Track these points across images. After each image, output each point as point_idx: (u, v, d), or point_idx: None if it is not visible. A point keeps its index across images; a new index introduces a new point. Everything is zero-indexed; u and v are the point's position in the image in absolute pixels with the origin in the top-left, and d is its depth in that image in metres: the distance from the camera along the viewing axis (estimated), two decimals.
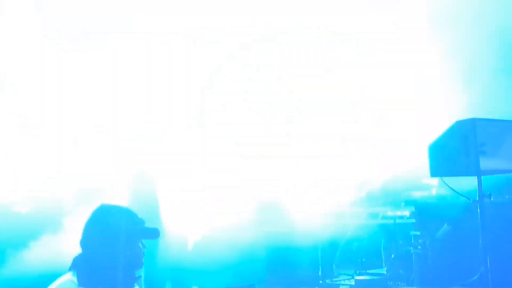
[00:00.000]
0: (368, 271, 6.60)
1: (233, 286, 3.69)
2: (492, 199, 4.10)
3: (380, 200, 6.32)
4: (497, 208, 5.16)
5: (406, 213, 5.97)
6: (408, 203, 5.98)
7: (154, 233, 2.26)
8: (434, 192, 6.47)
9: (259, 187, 6.98)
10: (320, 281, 6.64)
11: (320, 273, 6.63)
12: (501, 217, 5.10)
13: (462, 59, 7.34)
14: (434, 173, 4.04)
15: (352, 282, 6.29)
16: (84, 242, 2.20)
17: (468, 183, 4.06)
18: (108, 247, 2.16)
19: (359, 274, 6.36)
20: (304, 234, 6.62)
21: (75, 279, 2.13)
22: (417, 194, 6.21)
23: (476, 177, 3.89)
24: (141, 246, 2.23)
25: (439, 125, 4.25)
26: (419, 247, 5.75)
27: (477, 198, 3.89)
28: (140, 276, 2.29)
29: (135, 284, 2.27)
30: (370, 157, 7.88)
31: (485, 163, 3.75)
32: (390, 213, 6.12)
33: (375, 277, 5.86)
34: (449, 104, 6.67)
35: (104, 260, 2.16)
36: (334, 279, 6.81)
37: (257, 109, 8.34)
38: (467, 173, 3.99)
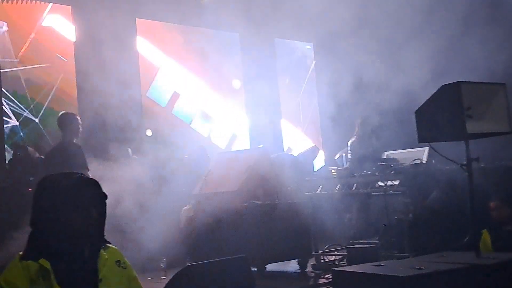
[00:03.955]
0: (360, 241, 6.64)
1: (224, 258, 3.69)
2: (480, 163, 4.09)
3: (369, 170, 6.32)
4: (485, 173, 5.19)
5: (396, 181, 5.98)
6: (398, 171, 5.99)
7: (101, 197, 2.23)
8: (423, 158, 6.48)
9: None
10: (313, 252, 6.68)
11: (312, 245, 6.67)
12: (488, 181, 5.14)
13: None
14: (421, 138, 4.03)
15: (345, 252, 6.32)
16: (31, 220, 2.17)
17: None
18: (52, 215, 2.12)
19: (352, 244, 6.39)
20: (295, 206, 6.65)
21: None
22: (406, 162, 6.22)
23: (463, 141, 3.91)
24: (91, 211, 2.18)
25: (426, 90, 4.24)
26: (410, 214, 5.78)
27: (465, 163, 3.90)
28: (108, 242, 2.26)
29: (100, 250, 2.23)
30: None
31: (472, 127, 3.74)
32: (380, 182, 6.12)
33: (367, 246, 5.89)
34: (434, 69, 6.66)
35: (51, 229, 2.12)
36: (326, 250, 6.86)
37: None
38: (454, 138, 3.99)
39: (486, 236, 4.85)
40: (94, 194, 2.21)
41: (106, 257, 2.23)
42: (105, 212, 2.25)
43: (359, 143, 7.50)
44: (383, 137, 7.40)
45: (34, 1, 8.52)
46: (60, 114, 6.35)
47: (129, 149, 8.34)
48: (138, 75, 9.47)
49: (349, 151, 7.73)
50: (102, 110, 8.07)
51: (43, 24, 8.60)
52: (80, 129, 6.19)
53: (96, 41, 8.37)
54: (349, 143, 7.79)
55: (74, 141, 6.14)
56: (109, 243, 2.30)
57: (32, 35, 8.43)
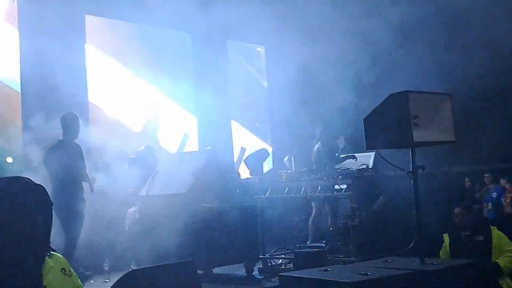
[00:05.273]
0: (307, 245, 6.69)
1: (171, 263, 3.61)
2: (425, 171, 4.18)
3: (318, 174, 6.37)
4: (430, 179, 5.33)
5: (343, 186, 6.05)
6: (345, 176, 6.06)
7: (47, 204, 2.14)
8: (369, 163, 6.60)
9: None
10: (260, 256, 6.67)
11: (259, 248, 6.66)
12: (433, 188, 5.28)
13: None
14: (369, 145, 4.08)
15: (292, 256, 6.34)
16: None
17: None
18: None
19: (299, 248, 6.43)
20: (243, 209, 6.63)
21: None
22: (354, 167, 6.31)
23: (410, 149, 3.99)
24: (36, 218, 2.08)
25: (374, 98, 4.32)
26: (356, 219, 5.86)
27: (411, 170, 3.98)
28: (53, 250, 2.18)
29: (45, 257, 2.15)
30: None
31: (418, 135, 3.82)
32: (328, 186, 6.18)
33: (314, 250, 5.93)
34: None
35: None
36: (273, 253, 6.87)
37: None
38: (401, 145, 4.07)
39: (446, 239, 5.08)
40: (40, 200, 2.12)
41: (51, 264, 2.17)
42: (51, 219, 2.17)
43: (324, 147, 7.55)
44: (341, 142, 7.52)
45: None
46: (63, 114, 6.39)
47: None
48: (85, 73, 9.22)
49: (315, 156, 7.75)
50: (46, 106, 7.82)
51: None
52: (80, 130, 6.34)
53: (42, 37, 8.10)
54: (315, 148, 7.83)
55: (74, 141, 6.27)
56: (54, 251, 2.22)
57: None
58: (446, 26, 8.47)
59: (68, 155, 6.04)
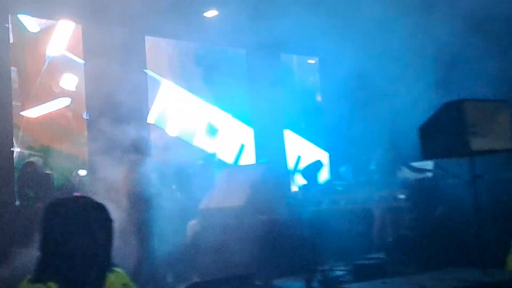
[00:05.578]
0: (366, 256, 6.61)
1: (230, 276, 3.69)
2: (485, 179, 4.09)
3: (375, 184, 6.32)
4: (491, 187, 5.18)
5: (402, 196, 5.97)
6: (404, 185, 5.98)
7: (108, 221, 2.25)
8: (428, 173, 6.47)
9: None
10: (319, 268, 6.65)
11: (318, 260, 6.64)
12: (493, 196, 5.13)
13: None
14: (425, 155, 4.05)
15: (351, 268, 6.29)
16: (39, 244, 2.21)
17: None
18: (59, 239, 2.15)
19: (358, 259, 6.37)
20: (300, 221, 6.64)
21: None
22: (412, 176, 6.21)
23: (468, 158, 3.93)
24: (98, 236, 2.20)
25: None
26: (415, 229, 5.77)
27: (470, 179, 3.91)
28: (116, 265, 2.28)
29: (106, 273, 2.25)
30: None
31: (476, 144, 3.76)
32: (385, 196, 6.12)
33: (373, 262, 5.87)
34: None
35: (59, 253, 2.15)
36: (332, 266, 6.82)
37: None
38: (458, 154, 4.00)
39: None
40: (101, 218, 2.23)
41: (113, 280, 2.26)
42: (112, 236, 2.27)
43: (388, 155, 7.46)
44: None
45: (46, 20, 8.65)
46: (133, 137, 6.81)
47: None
48: (147, 95, 9.50)
49: (376, 164, 7.67)
50: (111, 128, 8.10)
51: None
52: (149, 151, 6.81)
53: (104, 60, 8.41)
54: (376, 154, 7.75)
55: (144, 163, 6.66)
56: (117, 266, 2.32)
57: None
58: (505, 26, 8.17)
59: (141, 176, 6.41)
